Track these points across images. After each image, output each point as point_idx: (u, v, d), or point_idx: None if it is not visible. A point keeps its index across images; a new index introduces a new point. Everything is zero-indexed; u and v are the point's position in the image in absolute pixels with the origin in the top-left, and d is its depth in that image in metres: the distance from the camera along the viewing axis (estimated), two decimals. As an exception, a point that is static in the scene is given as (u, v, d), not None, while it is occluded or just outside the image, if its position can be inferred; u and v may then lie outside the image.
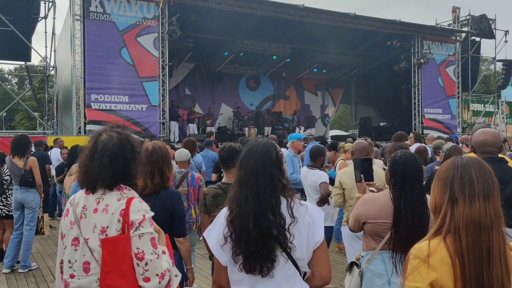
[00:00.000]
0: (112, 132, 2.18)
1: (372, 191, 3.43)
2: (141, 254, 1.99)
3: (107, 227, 2.03)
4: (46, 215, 8.84)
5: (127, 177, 2.15)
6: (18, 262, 6.60)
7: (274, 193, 2.10)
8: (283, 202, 2.11)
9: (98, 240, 2.02)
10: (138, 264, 1.98)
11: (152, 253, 2.02)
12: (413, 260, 1.67)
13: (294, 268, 2.09)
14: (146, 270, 1.99)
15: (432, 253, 1.64)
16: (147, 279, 1.98)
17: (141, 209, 2.08)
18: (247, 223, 2.04)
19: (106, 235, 2.02)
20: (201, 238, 7.45)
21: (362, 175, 3.47)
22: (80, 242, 2.05)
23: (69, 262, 2.07)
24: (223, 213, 2.19)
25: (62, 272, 2.14)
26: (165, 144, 4.06)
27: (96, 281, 2.02)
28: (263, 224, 2.04)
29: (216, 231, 2.16)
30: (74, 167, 7.42)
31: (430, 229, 1.75)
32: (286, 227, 2.05)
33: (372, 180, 3.58)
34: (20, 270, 6.48)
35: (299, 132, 20.55)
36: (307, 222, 2.10)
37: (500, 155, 3.47)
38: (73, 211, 2.11)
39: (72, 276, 2.05)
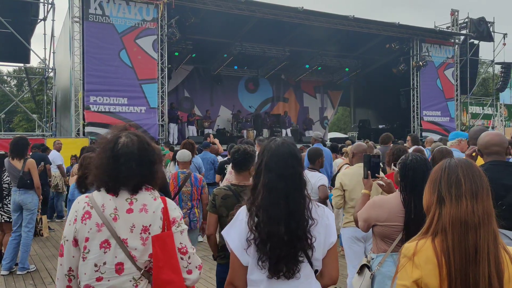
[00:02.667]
0: (131, 135, 2.16)
1: (380, 185, 3.43)
2: (185, 248, 2.13)
3: (150, 225, 2.07)
4: (44, 217, 8.86)
5: (152, 179, 2.18)
6: (17, 264, 6.58)
7: (302, 194, 2.09)
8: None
9: (140, 239, 2.05)
10: (182, 258, 2.12)
11: (191, 247, 2.17)
12: (401, 259, 1.71)
13: (310, 268, 2.10)
14: (189, 263, 2.14)
15: (417, 252, 1.67)
16: (190, 272, 2.13)
17: (176, 207, 2.20)
18: (278, 228, 2.01)
19: (149, 233, 2.06)
20: (201, 239, 7.50)
21: (369, 172, 3.49)
22: (111, 244, 2.04)
23: (96, 265, 2.03)
24: (243, 215, 2.14)
25: (70, 280, 2.10)
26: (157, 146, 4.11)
27: (130, 280, 2.05)
28: (292, 227, 2.03)
29: (238, 233, 2.11)
30: (75, 168, 7.41)
31: None
32: (308, 228, 2.06)
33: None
34: (18, 272, 6.46)
35: (284, 136, 20.39)
36: (324, 224, 2.12)
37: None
38: (98, 213, 2.06)
39: (99, 279, 2.03)
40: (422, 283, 1.64)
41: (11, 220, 6.66)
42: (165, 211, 2.11)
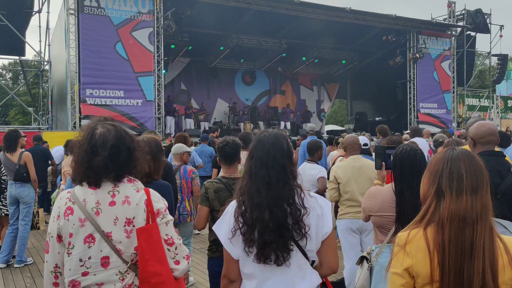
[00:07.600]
0: (108, 125, 2.15)
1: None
2: (171, 239, 2.14)
3: (133, 217, 2.06)
4: (41, 210, 8.85)
5: (132, 168, 2.16)
6: (14, 257, 6.59)
7: (287, 184, 2.10)
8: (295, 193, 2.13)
9: (124, 232, 2.04)
10: (169, 249, 2.13)
11: (178, 238, 2.19)
12: (394, 248, 1.73)
13: (304, 259, 2.12)
14: (176, 254, 2.15)
15: (409, 241, 1.68)
16: (177, 262, 2.14)
17: (160, 198, 2.19)
18: (263, 214, 2.04)
19: (133, 225, 2.05)
20: (196, 232, 7.50)
21: (383, 163, 3.48)
22: (96, 238, 2.03)
23: (81, 260, 2.02)
24: (232, 206, 2.18)
25: (56, 276, 2.09)
26: (157, 138, 4.07)
27: (116, 274, 2.04)
28: (279, 215, 2.04)
29: (226, 225, 2.15)
30: (65, 162, 7.39)
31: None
32: (301, 217, 2.07)
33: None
34: (15, 265, 6.46)
35: (282, 129, 20.34)
36: (316, 214, 2.12)
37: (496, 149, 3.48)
38: (80, 208, 2.05)
39: (85, 274, 2.02)
40: (413, 271, 1.66)
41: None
42: (148, 202, 2.09)
